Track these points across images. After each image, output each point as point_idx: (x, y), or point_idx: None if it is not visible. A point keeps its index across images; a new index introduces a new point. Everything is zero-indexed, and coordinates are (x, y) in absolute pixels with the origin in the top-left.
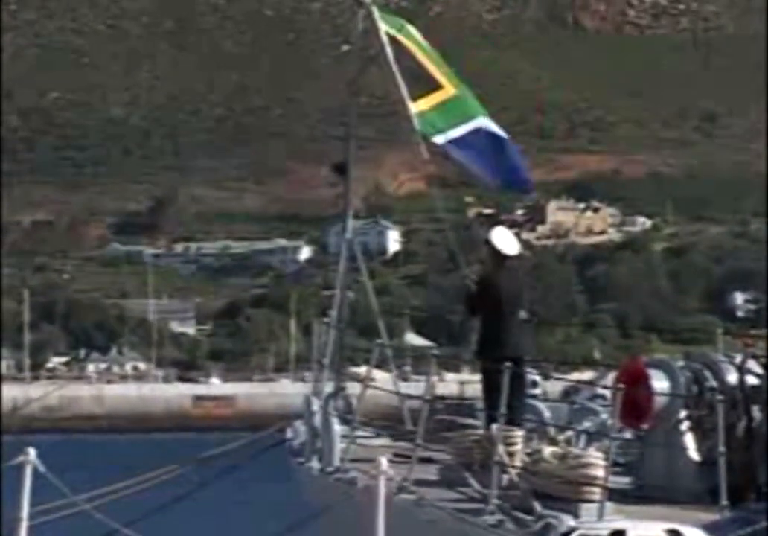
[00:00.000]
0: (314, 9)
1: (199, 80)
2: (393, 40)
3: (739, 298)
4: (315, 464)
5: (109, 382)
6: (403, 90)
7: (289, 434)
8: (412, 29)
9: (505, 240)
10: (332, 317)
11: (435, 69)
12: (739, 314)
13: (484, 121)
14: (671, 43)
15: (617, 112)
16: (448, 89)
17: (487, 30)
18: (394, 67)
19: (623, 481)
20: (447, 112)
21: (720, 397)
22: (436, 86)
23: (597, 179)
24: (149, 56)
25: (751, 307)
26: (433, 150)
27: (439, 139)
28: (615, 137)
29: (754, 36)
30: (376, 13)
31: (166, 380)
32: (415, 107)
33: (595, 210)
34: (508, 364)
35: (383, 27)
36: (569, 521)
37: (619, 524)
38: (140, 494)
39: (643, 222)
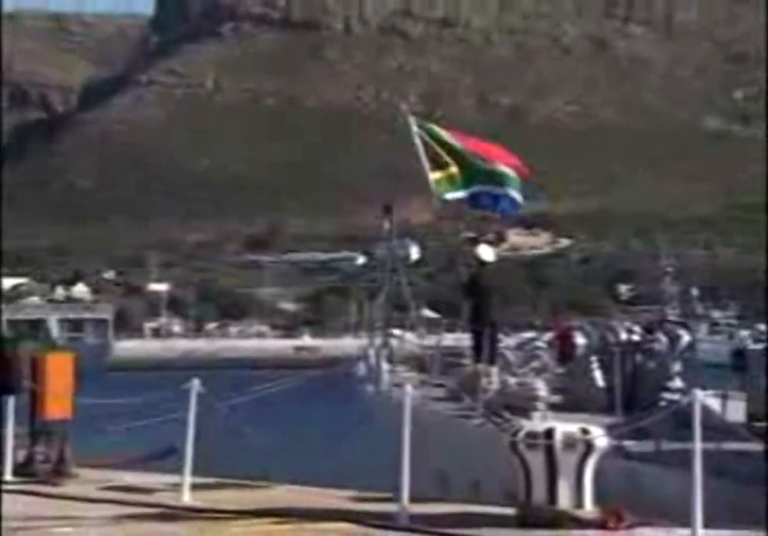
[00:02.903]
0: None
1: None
2: (420, 136)
3: (623, 287)
4: (370, 387)
5: (242, 338)
6: (425, 166)
7: (354, 369)
8: (436, 128)
9: (485, 253)
10: (380, 299)
11: (446, 155)
12: (624, 297)
13: (477, 188)
14: None
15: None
16: (452, 169)
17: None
18: (421, 153)
19: (558, 399)
20: (450, 181)
21: (616, 348)
22: (444, 166)
23: (537, 217)
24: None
25: (630, 293)
26: (440, 201)
27: (448, 195)
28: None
29: None
30: (410, 118)
31: (277, 337)
32: (432, 177)
33: (536, 234)
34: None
35: (414, 128)
36: (524, 422)
37: (552, 424)
38: (265, 400)
39: (565, 242)
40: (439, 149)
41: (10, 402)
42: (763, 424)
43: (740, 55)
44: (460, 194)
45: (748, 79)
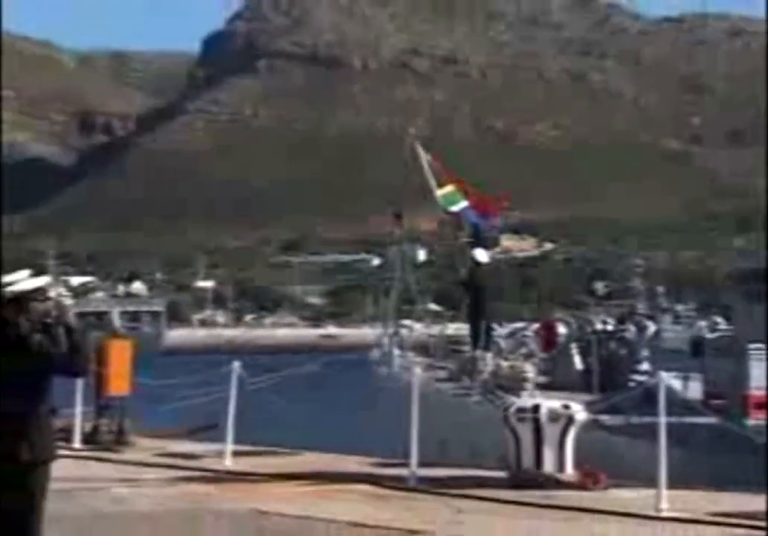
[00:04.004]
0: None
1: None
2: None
3: (598, 284)
4: (384, 369)
5: (276, 328)
6: (432, 184)
7: (370, 354)
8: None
9: (481, 255)
10: (392, 295)
11: (447, 177)
12: (599, 293)
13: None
14: None
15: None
16: (450, 187)
17: None
18: (427, 171)
19: (543, 379)
20: (451, 197)
21: (592, 336)
22: (445, 184)
23: (525, 224)
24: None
25: (604, 289)
26: (444, 212)
27: (452, 208)
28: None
29: None
30: (417, 144)
31: (305, 327)
32: (439, 192)
33: (524, 239)
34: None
35: (422, 154)
36: (514, 399)
37: (537, 401)
38: (294, 379)
39: (549, 246)
40: (443, 172)
41: (79, 382)
42: (718, 401)
43: (697, 86)
44: (458, 207)
45: (703, 107)
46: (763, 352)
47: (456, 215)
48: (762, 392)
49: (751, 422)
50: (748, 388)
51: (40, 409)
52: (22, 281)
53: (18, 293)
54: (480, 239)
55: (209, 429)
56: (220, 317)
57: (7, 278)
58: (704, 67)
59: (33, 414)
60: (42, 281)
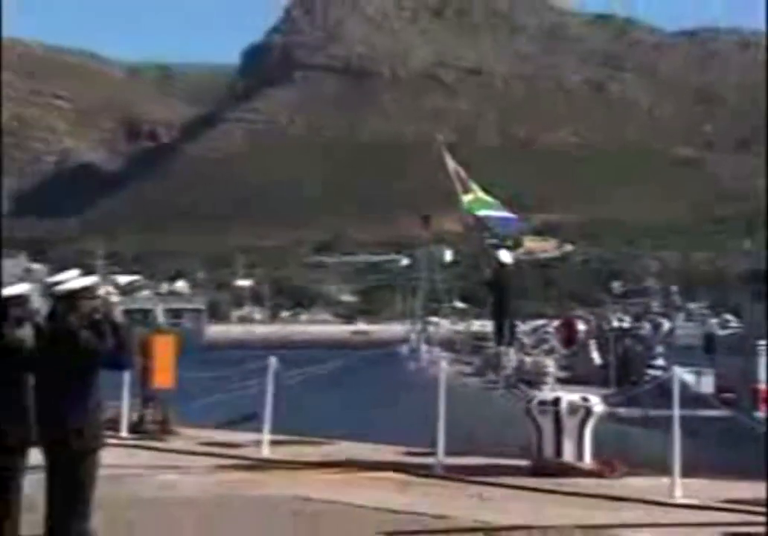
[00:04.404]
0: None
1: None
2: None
3: (615, 284)
4: (412, 364)
5: (310, 324)
6: (459, 189)
7: (399, 349)
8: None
9: (505, 256)
10: (420, 293)
11: (472, 184)
12: (615, 292)
13: (490, 210)
14: None
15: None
16: (476, 193)
17: None
18: (453, 177)
19: (563, 374)
20: (477, 203)
21: (610, 333)
22: (471, 191)
23: (546, 226)
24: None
25: (621, 289)
26: (470, 217)
27: (476, 213)
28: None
29: None
30: (444, 151)
31: (338, 323)
32: (464, 198)
33: (545, 240)
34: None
35: (449, 160)
36: (536, 393)
37: (558, 394)
38: (328, 373)
39: (569, 247)
40: (465, 175)
41: (125, 375)
42: (729, 395)
43: (708, 97)
44: (483, 212)
45: (714, 116)
46: None
47: (480, 219)
48: None
49: (760, 414)
50: (757, 382)
51: (89, 400)
52: (71, 280)
53: (68, 292)
54: (503, 242)
55: (248, 420)
56: (258, 314)
57: (58, 278)
58: (715, 78)
59: (82, 405)
60: (90, 280)
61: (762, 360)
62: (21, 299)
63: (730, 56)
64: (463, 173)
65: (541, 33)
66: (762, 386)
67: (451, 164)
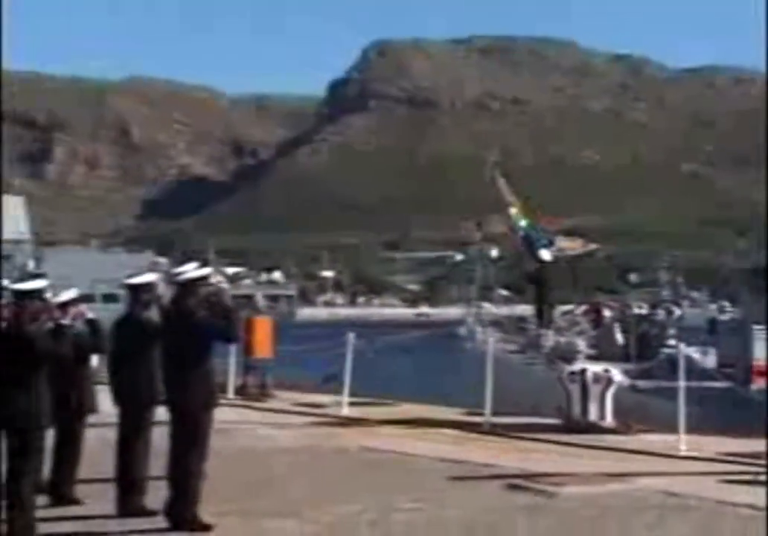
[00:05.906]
0: (465, 159)
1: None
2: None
3: (632, 276)
4: (469, 344)
5: (382, 307)
6: (507, 201)
7: (457, 330)
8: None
9: (544, 254)
10: (473, 283)
11: (514, 197)
12: (632, 283)
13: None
14: None
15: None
16: (518, 207)
17: None
18: (503, 191)
19: (591, 352)
20: (521, 213)
21: (630, 318)
22: (514, 204)
23: (575, 229)
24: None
25: (637, 280)
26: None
27: (520, 223)
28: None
29: None
30: (495, 169)
31: (404, 307)
32: (511, 210)
33: (574, 240)
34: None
35: (498, 176)
36: (569, 366)
37: (585, 366)
38: (398, 348)
39: (593, 246)
40: (511, 190)
41: (232, 348)
42: (729, 369)
43: (709, 121)
44: (524, 222)
45: (713, 137)
46: (764, 331)
47: (523, 227)
48: (763, 363)
49: (754, 386)
50: (752, 359)
51: (204, 366)
52: (190, 271)
53: (187, 280)
54: (540, 243)
55: (331, 382)
56: (339, 299)
57: (179, 269)
58: (714, 107)
59: (198, 370)
60: (205, 271)
61: (758, 341)
62: (149, 286)
63: (726, 89)
64: (509, 188)
65: (571, 70)
66: (757, 362)
67: (500, 179)
